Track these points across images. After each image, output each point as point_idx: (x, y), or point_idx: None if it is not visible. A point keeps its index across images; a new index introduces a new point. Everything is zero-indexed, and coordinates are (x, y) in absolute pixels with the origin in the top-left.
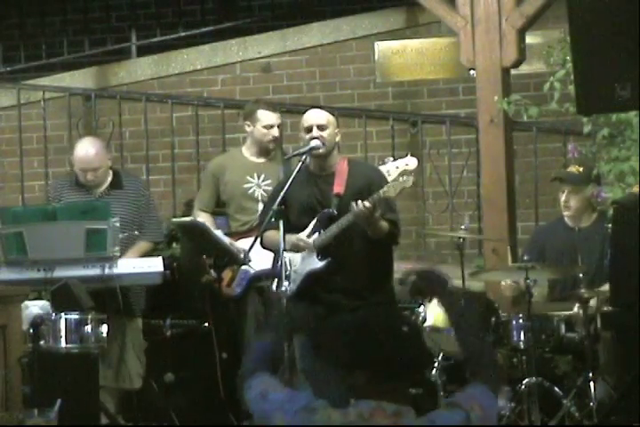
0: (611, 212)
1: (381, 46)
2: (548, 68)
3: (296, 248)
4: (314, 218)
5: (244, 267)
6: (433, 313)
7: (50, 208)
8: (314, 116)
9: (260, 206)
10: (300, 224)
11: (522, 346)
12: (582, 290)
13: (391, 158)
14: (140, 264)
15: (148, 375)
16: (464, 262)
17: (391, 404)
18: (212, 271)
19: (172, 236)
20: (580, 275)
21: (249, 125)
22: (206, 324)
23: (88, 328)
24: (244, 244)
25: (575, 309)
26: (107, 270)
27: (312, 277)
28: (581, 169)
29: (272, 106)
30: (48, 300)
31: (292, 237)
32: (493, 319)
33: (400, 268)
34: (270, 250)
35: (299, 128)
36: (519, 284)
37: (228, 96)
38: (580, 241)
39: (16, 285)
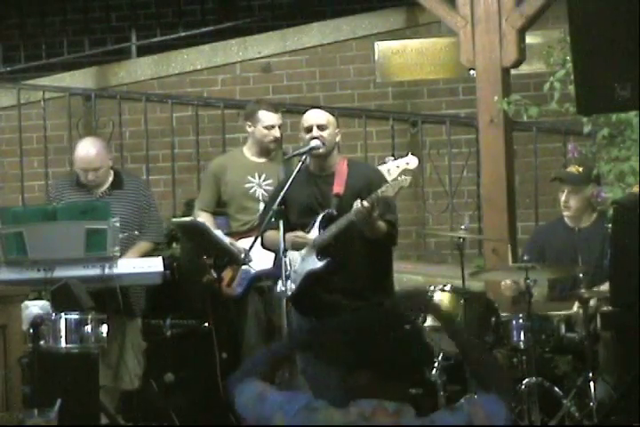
0: (611, 212)
1: (381, 46)
2: (547, 68)
3: (295, 245)
4: (313, 218)
5: (244, 267)
6: None
7: (50, 208)
8: (314, 116)
9: (261, 206)
10: (300, 224)
11: (522, 346)
12: (582, 290)
13: (392, 158)
14: (140, 264)
15: (148, 375)
16: (464, 262)
17: (392, 402)
18: (212, 271)
19: (172, 236)
20: (580, 275)
21: (250, 126)
22: (206, 324)
23: (88, 328)
24: (244, 244)
25: (575, 308)
26: (107, 270)
27: (312, 278)
28: (581, 169)
29: (273, 106)
30: (48, 300)
31: (290, 235)
32: (493, 319)
33: (400, 268)
34: (271, 250)
35: (299, 128)
36: (519, 284)
37: (228, 96)
38: (579, 241)
39: (16, 285)
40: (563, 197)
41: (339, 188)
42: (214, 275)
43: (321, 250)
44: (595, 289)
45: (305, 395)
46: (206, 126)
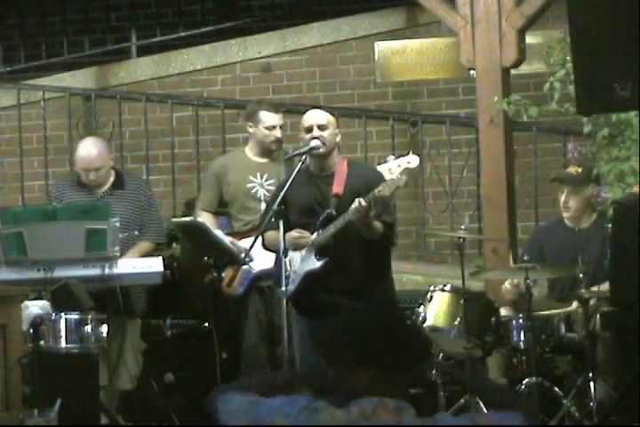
0: (611, 212)
1: (381, 46)
2: (547, 68)
3: (296, 245)
4: (313, 218)
5: (245, 267)
6: (433, 313)
7: (50, 208)
8: (314, 117)
9: (263, 206)
10: (299, 224)
11: (522, 346)
12: (582, 290)
13: (392, 157)
14: (140, 264)
15: (148, 375)
16: (464, 262)
17: (392, 400)
18: (213, 271)
19: (172, 236)
20: (580, 275)
21: (251, 126)
22: (206, 324)
23: (88, 328)
24: (246, 243)
25: (574, 306)
26: (107, 270)
27: (311, 278)
28: (580, 170)
29: (274, 107)
30: (48, 300)
31: (291, 233)
32: (493, 319)
33: (400, 268)
34: (271, 250)
35: (299, 128)
36: (519, 287)
37: (228, 96)
38: (579, 241)
39: (16, 285)
40: (562, 198)
41: (338, 188)
42: (215, 275)
43: (320, 250)
44: (595, 289)
45: (304, 397)
46: (206, 126)
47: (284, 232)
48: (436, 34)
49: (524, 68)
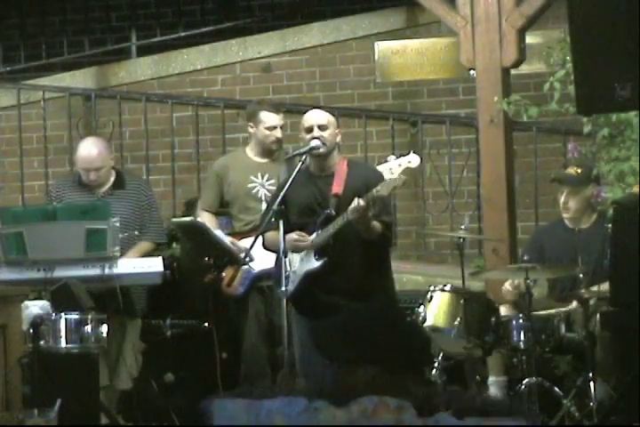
0: (611, 212)
1: (381, 46)
2: (547, 68)
3: (294, 248)
4: (313, 218)
5: (246, 267)
6: (433, 313)
7: (50, 208)
8: (315, 117)
9: (264, 206)
10: (299, 224)
11: (522, 346)
12: (582, 290)
13: (393, 156)
14: (140, 264)
15: (148, 375)
16: (464, 262)
17: (393, 399)
18: (213, 271)
19: (172, 236)
20: (580, 275)
21: (252, 127)
22: (206, 324)
23: (88, 328)
24: (247, 244)
25: (574, 305)
26: (107, 270)
27: (310, 278)
28: (580, 170)
29: (275, 107)
30: (48, 300)
31: (291, 235)
32: (493, 319)
33: (400, 268)
34: (272, 251)
35: (299, 128)
36: (519, 288)
37: (227, 96)
38: (579, 242)
39: (16, 285)
40: (562, 199)
41: (338, 188)
42: (215, 274)
43: (319, 250)
44: (595, 289)
45: (303, 398)
46: (206, 126)
47: (285, 232)
48: (435, 34)
49: (524, 68)
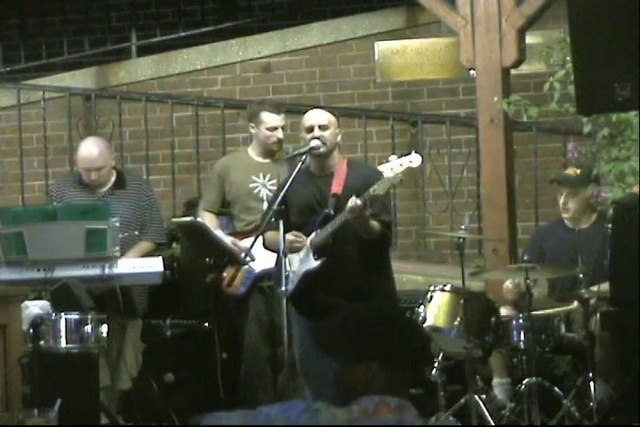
0: (611, 212)
1: (381, 46)
2: (547, 68)
3: (291, 249)
4: (313, 218)
5: (247, 266)
6: (433, 313)
7: (50, 208)
8: (315, 117)
9: (265, 206)
10: (299, 224)
11: (522, 346)
12: (582, 290)
13: (395, 156)
14: (140, 264)
15: (148, 375)
16: (464, 262)
17: (394, 398)
18: (214, 271)
19: (172, 236)
20: (580, 275)
21: (253, 127)
22: (207, 324)
23: (88, 328)
24: (248, 244)
25: (574, 305)
26: (107, 270)
27: (309, 278)
28: (579, 171)
29: (276, 107)
30: (48, 300)
31: (287, 237)
32: (493, 319)
33: (400, 268)
34: (272, 250)
35: (299, 128)
36: (520, 287)
37: (227, 96)
38: (579, 242)
39: (16, 285)
40: (561, 199)
41: (337, 188)
42: (216, 274)
43: (318, 250)
44: (595, 289)
45: (303, 401)
46: (206, 126)
47: (285, 232)
48: (436, 34)
49: (524, 68)
